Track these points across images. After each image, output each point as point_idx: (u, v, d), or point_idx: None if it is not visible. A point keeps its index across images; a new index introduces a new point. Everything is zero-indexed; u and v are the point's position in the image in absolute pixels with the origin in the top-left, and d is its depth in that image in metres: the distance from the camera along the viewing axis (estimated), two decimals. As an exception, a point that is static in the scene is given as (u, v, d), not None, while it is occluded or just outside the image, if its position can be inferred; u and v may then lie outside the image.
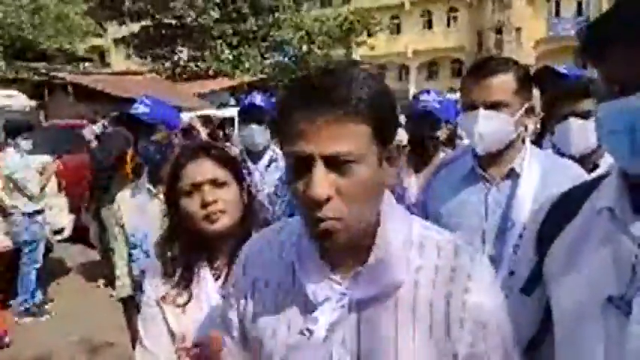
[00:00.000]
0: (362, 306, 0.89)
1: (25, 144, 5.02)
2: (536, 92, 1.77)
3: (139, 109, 2.13)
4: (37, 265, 5.12)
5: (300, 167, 0.82)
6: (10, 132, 5.06)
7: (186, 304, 1.42)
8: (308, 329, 0.89)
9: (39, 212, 5.12)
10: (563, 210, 0.95)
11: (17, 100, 5.95)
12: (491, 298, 0.90)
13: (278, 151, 2.92)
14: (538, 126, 2.37)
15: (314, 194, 0.79)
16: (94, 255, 6.24)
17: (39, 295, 5.17)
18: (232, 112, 8.94)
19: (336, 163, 0.80)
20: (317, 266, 0.92)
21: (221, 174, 1.42)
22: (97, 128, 6.04)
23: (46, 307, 5.18)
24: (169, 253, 1.47)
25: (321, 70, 0.86)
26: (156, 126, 2.14)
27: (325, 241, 0.84)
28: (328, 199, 0.80)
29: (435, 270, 0.90)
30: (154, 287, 1.48)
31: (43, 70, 13.90)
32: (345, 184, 0.81)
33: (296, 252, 0.95)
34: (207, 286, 1.43)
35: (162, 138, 2.15)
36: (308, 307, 0.92)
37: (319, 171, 0.80)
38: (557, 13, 31.34)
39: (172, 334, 1.44)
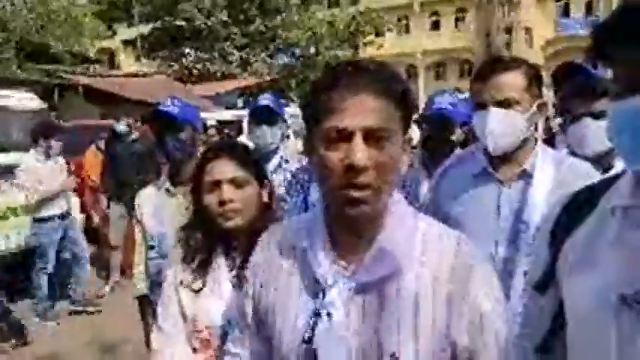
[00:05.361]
0: (367, 290, 0.95)
1: (39, 151, 4.87)
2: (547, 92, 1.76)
3: (170, 107, 2.17)
4: (46, 271, 4.90)
5: (336, 140, 0.89)
6: (34, 136, 4.90)
7: (200, 289, 1.51)
8: (328, 313, 0.94)
9: (49, 218, 4.89)
10: (576, 209, 0.95)
11: (32, 103, 5.95)
12: (490, 297, 0.94)
13: (287, 152, 2.93)
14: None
15: (357, 161, 0.86)
16: (107, 255, 6.28)
17: (48, 302, 5.01)
18: (240, 114, 8.99)
19: (372, 138, 0.88)
20: (326, 252, 0.98)
21: (241, 174, 1.48)
22: None
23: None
24: (190, 242, 1.55)
25: (357, 60, 0.96)
26: (183, 126, 2.17)
27: (352, 209, 0.90)
28: (366, 168, 0.87)
29: (437, 265, 0.95)
30: (174, 273, 1.57)
31: (54, 72, 13.97)
32: (380, 157, 0.89)
33: (308, 239, 1.01)
34: (222, 276, 1.51)
35: (188, 138, 2.19)
36: (316, 292, 0.97)
37: (360, 141, 0.87)
38: (567, 13, 31.12)
39: (184, 317, 1.52)
